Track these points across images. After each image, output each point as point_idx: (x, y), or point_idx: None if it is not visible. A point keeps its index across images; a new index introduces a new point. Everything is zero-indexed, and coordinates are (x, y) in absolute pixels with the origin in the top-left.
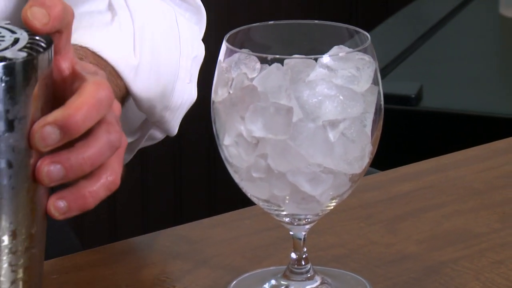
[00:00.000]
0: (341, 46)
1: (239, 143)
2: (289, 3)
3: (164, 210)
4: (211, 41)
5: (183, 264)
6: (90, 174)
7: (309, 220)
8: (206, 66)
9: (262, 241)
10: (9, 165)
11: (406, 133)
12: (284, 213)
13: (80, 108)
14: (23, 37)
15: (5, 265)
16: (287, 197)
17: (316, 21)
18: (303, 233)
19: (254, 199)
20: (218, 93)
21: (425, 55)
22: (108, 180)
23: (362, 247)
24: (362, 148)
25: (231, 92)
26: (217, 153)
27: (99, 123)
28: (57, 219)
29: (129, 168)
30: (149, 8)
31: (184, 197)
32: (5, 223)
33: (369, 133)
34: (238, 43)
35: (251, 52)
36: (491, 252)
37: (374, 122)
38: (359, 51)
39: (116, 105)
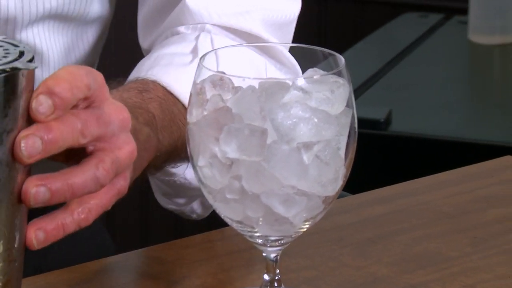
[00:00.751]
0: (316, 68)
1: (213, 164)
2: None
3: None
4: None
5: (154, 285)
6: (65, 205)
7: (282, 242)
8: None
9: (234, 262)
10: None
11: (375, 157)
12: (257, 234)
13: (61, 124)
14: (27, 49)
15: None
16: (261, 219)
17: (291, 43)
18: (276, 255)
19: (227, 220)
20: (193, 114)
21: (394, 79)
22: (79, 217)
23: (333, 270)
24: (336, 171)
25: (205, 113)
26: None
27: (91, 156)
28: (33, 249)
29: None
30: (236, 54)
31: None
32: None
33: (343, 156)
34: (213, 65)
35: (225, 74)
36: (463, 276)
37: (348, 144)
38: (333, 73)
39: (132, 148)
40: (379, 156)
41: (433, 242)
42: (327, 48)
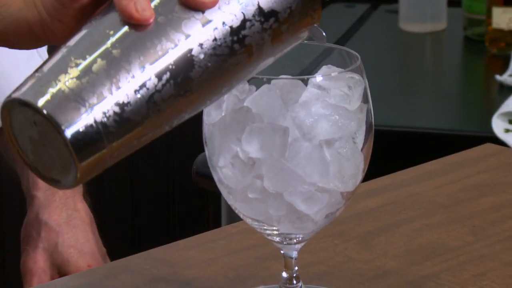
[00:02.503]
0: (330, 65)
1: (235, 165)
2: None
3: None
4: None
5: (166, 287)
6: None
7: (300, 239)
8: None
9: (241, 261)
10: None
11: None
12: (277, 232)
13: None
14: None
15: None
16: (282, 217)
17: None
18: (295, 251)
19: (247, 220)
20: (212, 115)
21: None
22: None
23: (341, 264)
24: (356, 166)
25: (223, 114)
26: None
27: None
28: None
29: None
30: None
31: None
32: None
33: (361, 150)
34: None
35: None
36: (471, 265)
37: (365, 139)
38: (350, 70)
39: None
40: None
41: (434, 233)
42: None
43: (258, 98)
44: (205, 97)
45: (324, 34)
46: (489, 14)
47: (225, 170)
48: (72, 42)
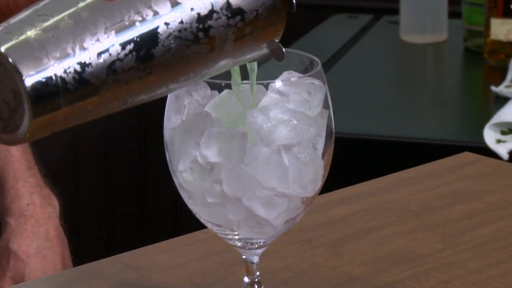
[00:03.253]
0: (291, 71)
1: (194, 169)
2: None
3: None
4: None
5: None
6: None
7: (261, 244)
8: None
9: (209, 266)
10: None
11: None
12: (237, 237)
13: None
14: None
15: None
16: (242, 222)
17: None
18: (256, 256)
19: (207, 224)
20: (172, 120)
21: (329, 83)
22: None
23: (308, 270)
24: (316, 171)
25: (183, 118)
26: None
27: None
28: None
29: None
30: None
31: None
32: None
33: (321, 156)
34: None
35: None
36: (437, 272)
37: (326, 145)
38: (310, 75)
39: None
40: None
41: (403, 240)
42: None
43: (218, 103)
44: (162, 80)
45: (284, 51)
46: (487, 26)
47: (184, 175)
48: (41, 3)
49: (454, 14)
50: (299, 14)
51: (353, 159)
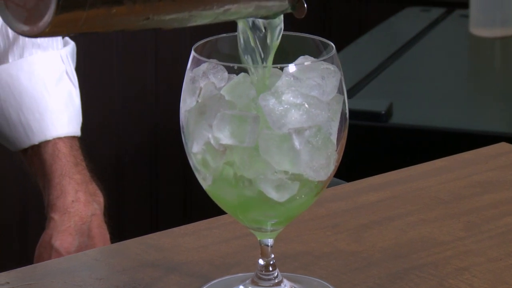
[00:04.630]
0: (307, 56)
1: (207, 151)
2: None
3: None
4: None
5: (153, 272)
6: None
7: (276, 226)
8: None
9: (230, 249)
10: None
11: (376, 148)
12: (251, 219)
13: None
14: None
15: None
16: (255, 203)
17: (283, 32)
18: (270, 239)
19: (221, 206)
20: (187, 102)
21: (396, 72)
22: None
23: (328, 255)
24: (328, 156)
25: (199, 101)
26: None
27: None
28: None
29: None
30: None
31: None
32: None
33: (335, 141)
34: (206, 53)
35: (218, 62)
36: (456, 259)
37: (339, 130)
38: (324, 60)
39: None
40: (379, 148)
41: (427, 227)
42: (333, 42)
43: (233, 86)
44: (171, 7)
45: (305, 6)
46: None
47: (198, 156)
48: None
49: None
50: (376, 5)
51: (412, 150)
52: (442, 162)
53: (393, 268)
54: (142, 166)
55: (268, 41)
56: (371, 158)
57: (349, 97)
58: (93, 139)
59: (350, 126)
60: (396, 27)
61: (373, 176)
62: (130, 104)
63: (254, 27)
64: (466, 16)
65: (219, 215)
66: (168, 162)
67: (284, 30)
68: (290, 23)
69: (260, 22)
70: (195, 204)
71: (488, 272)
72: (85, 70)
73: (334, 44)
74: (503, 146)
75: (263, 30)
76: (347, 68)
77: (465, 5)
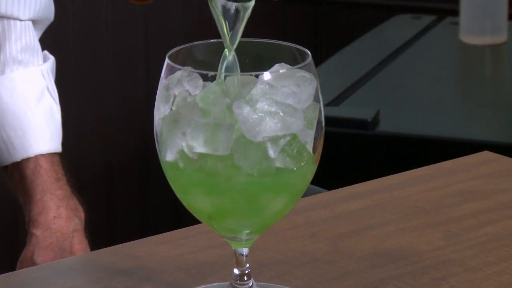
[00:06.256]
0: (282, 63)
1: (180, 159)
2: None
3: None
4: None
5: (127, 281)
6: None
7: (250, 236)
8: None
9: (206, 258)
10: None
11: (362, 157)
12: (227, 228)
13: None
14: None
15: None
16: (229, 212)
17: (258, 39)
18: (245, 248)
19: (196, 215)
20: (160, 110)
21: (384, 80)
22: None
23: (305, 264)
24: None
25: (173, 108)
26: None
27: None
28: None
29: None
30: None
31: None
32: None
33: (311, 150)
34: (181, 61)
35: (193, 69)
36: (433, 269)
37: (316, 139)
38: (300, 68)
39: None
40: (365, 156)
41: (406, 237)
42: (323, 50)
43: (207, 93)
44: None
45: None
46: None
47: (172, 165)
48: None
49: None
50: (366, 12)
51: (398, 158)
52: (423, 171)
53: (370, 278)
54: (132, 174)
55: (238, 24)
56: (357, 167)
57: (335, 104)
58: (83, 146)
59: (336, 134)
60: (386, 34)
61: (353, 185)
62: (120, 111)
63: (225, 11)
64: (457, 24)
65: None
66: (159, 169)
67: (270, 38)
68: (282, 29)
69: (231, 4)
70: (186, 211)
71: (466, 282)
72: (75, 77)
73: (325, 50)
74: (485, 154)
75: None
76: (335, 75)
77: (456, 13)
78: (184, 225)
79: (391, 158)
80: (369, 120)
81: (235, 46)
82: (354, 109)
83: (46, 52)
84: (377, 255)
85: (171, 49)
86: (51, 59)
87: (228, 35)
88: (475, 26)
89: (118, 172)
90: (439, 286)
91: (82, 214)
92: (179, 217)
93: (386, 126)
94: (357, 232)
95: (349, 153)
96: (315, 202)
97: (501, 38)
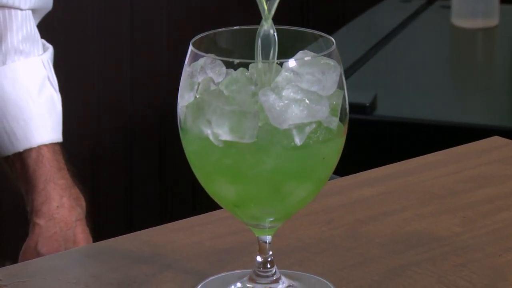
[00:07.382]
0: (306, 50)
1: (206, 146)
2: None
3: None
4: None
5: (147, 269)
6: None
7: (274, 223)
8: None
9: (225, 245)
10: None
11: (361, 141)
12: (250, 215)
13: None
14: None
15: None
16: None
17: (281, 26)
18: (269, 236)
19: (220, 203)
20: (185, 97)
21: (378, 64)
22: None
23: (324, 251)
24: None
25: (197, 96)
26: None
27: None
28: None
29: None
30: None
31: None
32: None
33: (335, 136)
34: (204, 48)
35: (216, 57)
36: (453, 255)
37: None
38: (324, 55)
39: None
40: (365, 141)
41: (423, 223)
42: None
43: (232, 81)
44: None
45: None
46: None
47: (197, 152)
48: None
49: None
50: None
51: (396, 142)
52: (435, 157)
53: (390, 264)
54: (117, 162)
55: None
56: (358, 150)
57: None
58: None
59: None
60: (376, 19)
61: (367, 171)
62: (105, 99)
63: None
64: (447, 7)
65: (197, 209)
66: (144, 158)
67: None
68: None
69: None
70: (172, 200)
71: (487, 269)
72: (58, 66)
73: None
74: (495, 140)
75: None
76: None
77: None
78: (172, 213)
79: (391, 143)
80: (367, 104)
81: (272, 13)
82: (351, 94)
83: (43, 40)
84: (395, 241)
85: (156, 31)
86: (50, 48)
87: (266, 2)
88: (467, 10)
89: (102, 160)
90: (461, 272)
91: (83, 203)
92: (163, 206)
93: (384, 110)
94: (374, 218)
95: (350, 137)
96: (330, 188)
97: (493, 21)
